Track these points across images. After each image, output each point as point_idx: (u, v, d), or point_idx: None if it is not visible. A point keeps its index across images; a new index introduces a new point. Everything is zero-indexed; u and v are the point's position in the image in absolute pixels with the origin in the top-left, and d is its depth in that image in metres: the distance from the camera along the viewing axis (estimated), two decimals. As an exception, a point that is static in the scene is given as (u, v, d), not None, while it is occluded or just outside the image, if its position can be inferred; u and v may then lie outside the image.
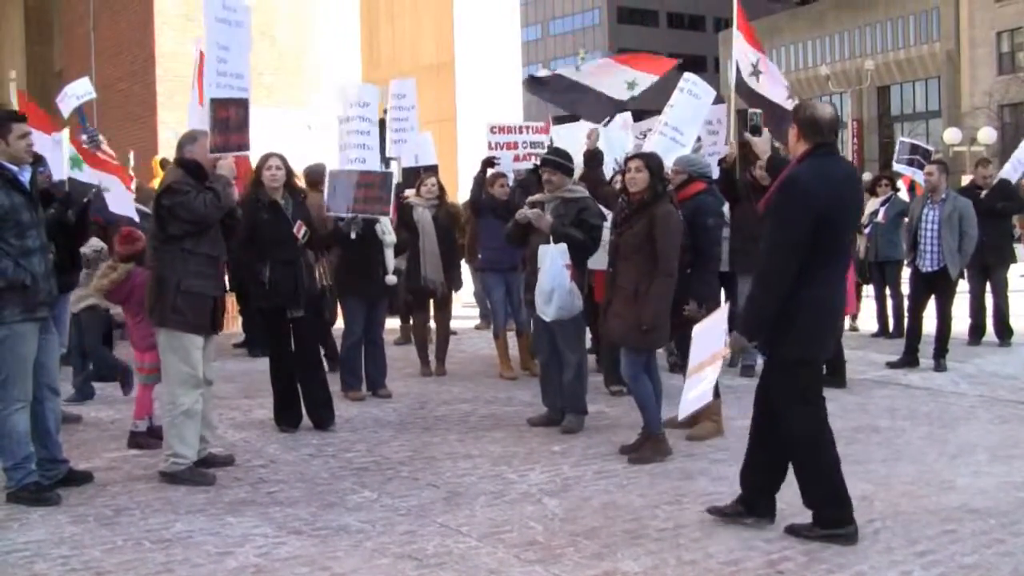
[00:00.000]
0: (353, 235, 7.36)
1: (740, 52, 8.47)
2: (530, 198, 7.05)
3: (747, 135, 5.54)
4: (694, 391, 4.60)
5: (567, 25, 78.18)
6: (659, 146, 7.64)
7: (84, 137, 9.76)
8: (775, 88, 8.80)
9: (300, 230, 6.63)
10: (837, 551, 4.32)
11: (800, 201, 4.22)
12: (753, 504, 4.65)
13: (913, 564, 4.18)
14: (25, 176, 5.12)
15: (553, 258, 6.36)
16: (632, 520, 4.78)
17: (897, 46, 53.42)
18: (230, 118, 5.77)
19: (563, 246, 6.40)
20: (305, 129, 12.21)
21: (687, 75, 8.19)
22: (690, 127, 7.92)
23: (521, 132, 9.22)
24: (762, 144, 5.16)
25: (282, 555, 4.33)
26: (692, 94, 7.99)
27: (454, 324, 9.79)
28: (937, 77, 51.74)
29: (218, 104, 5.71)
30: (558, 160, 6.77)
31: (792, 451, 4.52)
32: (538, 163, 8.89)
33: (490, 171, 8.58)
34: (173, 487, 5.35)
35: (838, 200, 4.31)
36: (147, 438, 6.27)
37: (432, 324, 9.04)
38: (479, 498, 5.15)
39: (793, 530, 4.52)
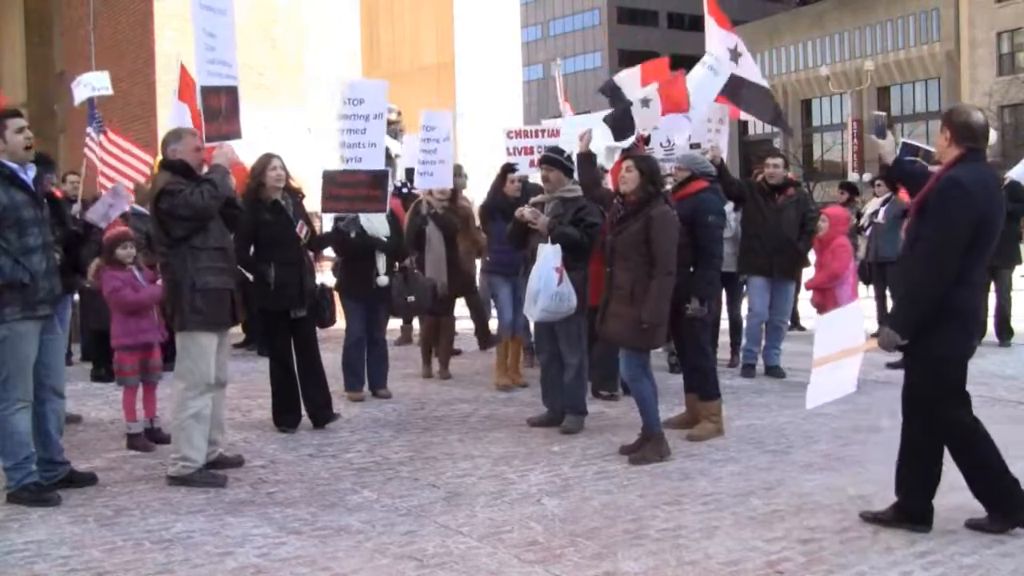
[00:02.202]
0: (353, 234, 7.32)
1: (718, 40, 8.48)
2: (532, 199, 7.05)
3: (872, 137, 5.49)
4: (827, 384, 4.61)
5: (567, 25, 78.19)
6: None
7: (91, 128, 9.83)
8: (752, 68, 8.86)
9: (302, 230, 6.64)
10: (837, 551, 4.32)
11: (963, 202, 4.32)
12: (909, 510, 4.65)
13: (913, 564, 4.18)
14: (29, 174, 5.10)
15: (545, 259, 6.37)
16: (632, 520, 4.78)
17: (897, 47, 53.44)
18: (221, 107, 5.75)
19: (557, 248, 6.39)
20: (305, 132, 12.17)
21: (713, 52, 8.26)
22: (701, 103, 7.96)
23: (536, 136, 9.16)
24: (887, 146, 5.13)
25: (282, 555, 4.33)
26: (711, 69, 8.06)
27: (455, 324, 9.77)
28: (937, 78, 51.76)
29: (209, 92, 5.68)
30: (555, 157, 6.77)
31: (950, 447, 4.59)
32: None
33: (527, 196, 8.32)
34: (173, 487, 5.35)
35: (993, 203, 4.45)
36: (144, 440, 6.28)
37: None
38: (479, 498, 5.15)
39: (866, 516, 4.68)
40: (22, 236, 4.97)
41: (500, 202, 8.35)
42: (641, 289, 5.80)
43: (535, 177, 8.83)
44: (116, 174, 9.98)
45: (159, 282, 6.33)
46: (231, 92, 5.87)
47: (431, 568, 4.17)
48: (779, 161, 8.67)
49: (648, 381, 5.99)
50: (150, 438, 6.34)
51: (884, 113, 6.06)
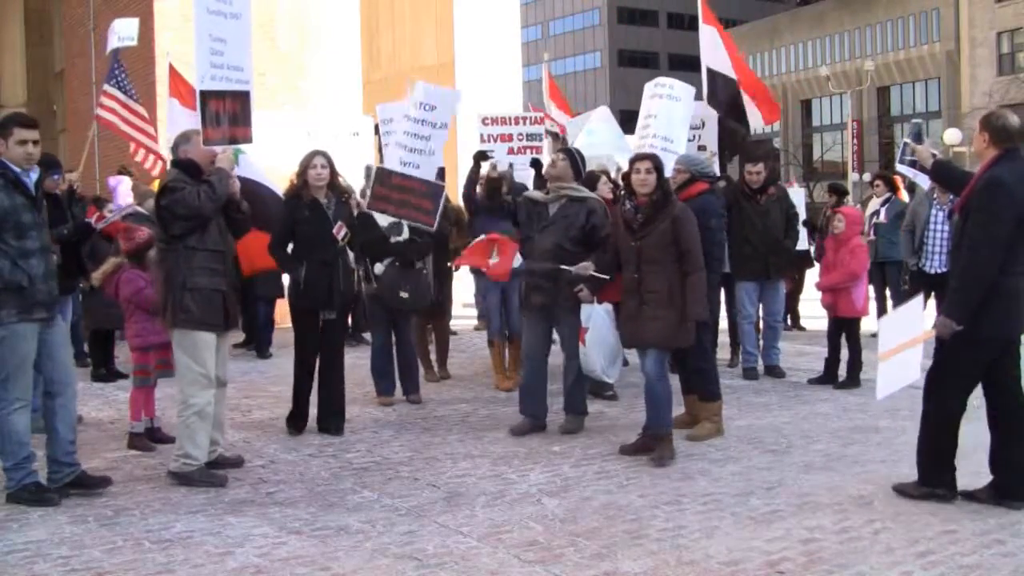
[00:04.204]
0: (393, 239, 7.22)
1: (722, 66, 8.46)
2: (526, 194, 6.92)
3: (909, 142, 5.80)
4: (894, 374, 5.04)
5: (567, 25, 78.18)
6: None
7: (109, 85, 9.69)
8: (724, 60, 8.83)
9: (340, 231, 6.48)
10: (837, 551, 4.32)
11: (1005, 199, 4.71)
12: (1007, 487, 4.93)
13: (913, 564, 4.18)
14: (31, 177, 5.11)
15: (605, 321, 6.38)
16: (632, 520, 4.78)
17: (897, 47, 53.44)
18: (228, 111, 5.71)
19: (608, 307, 6.39)
20: (305, 136, 12.07)
21: (660, 80, 8.01)
22: (679, 131, 7.72)
23: (516, 123, 8.87)
24: (924, 152, 5.53)
25: (282, 555, 4.33)
26: (671, 98, 7.77)
27: (454, 324, 9.78)
28: (937, 78, 51.76)
29: (211, 97, 5.65)
30: (573, 152, 6.73)
31: (926, 417, 5.06)
32: (536, 156, 8.69)
33: (485, 166, 8.09)
34: (173, 487, 5.35)
35: None
36: (144, 440, 6.28)
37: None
38: (479, 498, 5.15)
39: (899, 489, 5.07)
40: (21, 239, 4.97)
41: (484, 201, 8.08)
42: (678, 290, 5.80)
43: (519, 168, 8.65)
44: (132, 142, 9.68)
45: None
46: (243, 97, 5.81)
47: (431, 568, 4.17)
48: (760, 167, 8.67)
49: (669, 381, 6.02)
50: (150, 437, 6.34)
51: (920, 120, 6.31)
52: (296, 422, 6.67)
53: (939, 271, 8.79)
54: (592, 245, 6.47)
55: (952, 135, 36.82)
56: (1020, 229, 4.73)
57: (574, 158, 6.68)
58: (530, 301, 6.67)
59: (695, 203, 6.38)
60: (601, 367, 6.51)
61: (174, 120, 8.16)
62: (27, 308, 4.99)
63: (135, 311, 6.30)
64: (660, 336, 5.90)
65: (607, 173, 7.87)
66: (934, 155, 5.44)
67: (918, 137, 5.77)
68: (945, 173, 5.47)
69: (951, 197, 8.96)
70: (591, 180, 7.48)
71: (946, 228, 8.76)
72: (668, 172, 7.52)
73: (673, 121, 7.73)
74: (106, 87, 10.01)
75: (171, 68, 8.88)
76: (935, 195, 9.02)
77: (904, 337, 5.00)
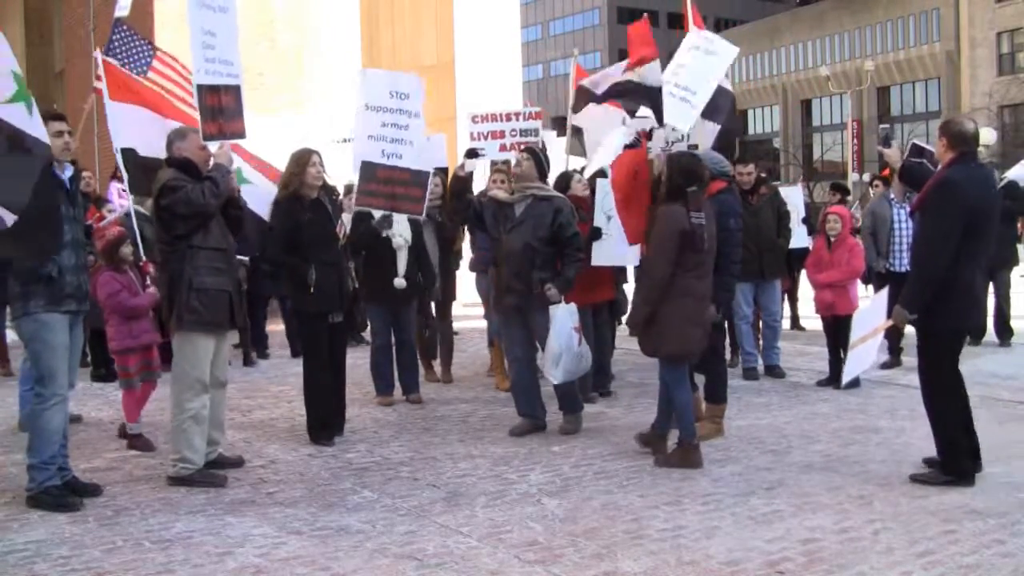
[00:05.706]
0: (384, 234, 7.16)
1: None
2: (491, 194, 6.82)
3: (879, 147, 6.16)
4: (857, 361, 5.69)
5: (567, 25, 78.19)
6: (667, 108, 7.13)
7: (110, 57, 9.45)
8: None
9: (340, 229, 6.39)
10: (837, 551, 4.32)
11: (955, 200, 5.11)
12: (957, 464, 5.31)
13: (913, 564, 4.18)
14: (67, 173, 5.12)
15: (563, 321, 6.26)
16: (632, 520, 4.78)
17: (897, 47, 53.45)
18: (221, 105, 5.71)
19: (572, 307, 6.31)
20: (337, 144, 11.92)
21: (704, 34, 7.77)
22: (704, 86, 7.41)
23: (508, 120, 8.76)
24: (894, 155, 5.90)
25: (282, 555, 4.33)
26: (708, 52, 7.51)
27: (454, 324, 9.76)
28: (937, 78, 51.77)
29: (207, 90, 5.63)
30: (537, 151, 6.70)
31: (927, 393, 5.38)
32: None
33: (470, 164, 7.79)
34: (173, 487, 5.35)
35: (984, 197, 5.24)
36: (144, 440, 6.27)
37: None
38: (479, 498, 5.15)
39: (916, 478, 5.34)
40: None
41: (450, 201, 7.87)
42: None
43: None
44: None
45: (151, 289, 6.31)
46: (234, 91, 5.82)
47: (431, 568, 4.17)
48: (750, 168, 8.66)
49: (688, 389, 5.87)
50: (120, 434, 6.31)
51: (888, 125, 6.51)
52: (325, 432, 6.38)
53: (908, 269, 8.79)
54: (560, 244, 6.44)
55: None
56: (971, 226, 5.10)
57: (538, 157, 6.64)
58: (503, 303, 6.62)
59: (714, 202, 6.13)
60: (546, 367, 6.34)
61: (115, 122, 7.53)
62: (56, 300, 4.98)
63: (111, 314, 6.27)
64: (642, 341, 5.83)
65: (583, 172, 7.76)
66: (927, 149, 5.71)
67: (887, 142, 6.08)
68: (912, 175, 5.82)
69: (907, 195, 8.99)
70: (564, 180, 7.44)
71: (910, 225, 8.77)
72: (683, 123, 7.31)
73: (701, 75, 7.46)
74: (106, 58, 9.78)
75: (105, 63, 8.50)
76: (891, 195, 9.08)
77: (869, 328, 5.56)
